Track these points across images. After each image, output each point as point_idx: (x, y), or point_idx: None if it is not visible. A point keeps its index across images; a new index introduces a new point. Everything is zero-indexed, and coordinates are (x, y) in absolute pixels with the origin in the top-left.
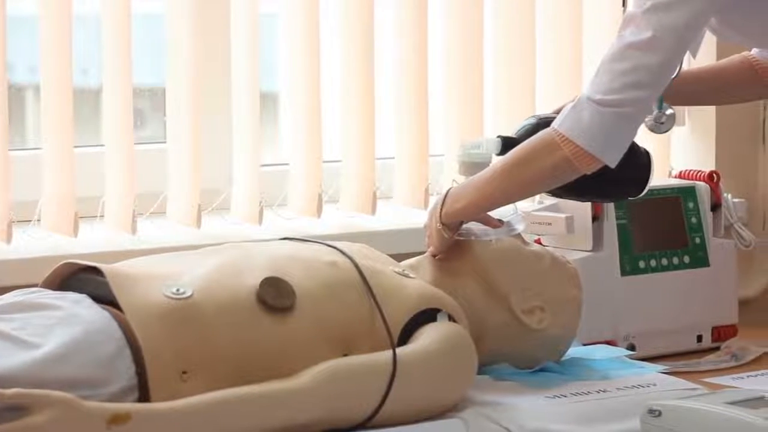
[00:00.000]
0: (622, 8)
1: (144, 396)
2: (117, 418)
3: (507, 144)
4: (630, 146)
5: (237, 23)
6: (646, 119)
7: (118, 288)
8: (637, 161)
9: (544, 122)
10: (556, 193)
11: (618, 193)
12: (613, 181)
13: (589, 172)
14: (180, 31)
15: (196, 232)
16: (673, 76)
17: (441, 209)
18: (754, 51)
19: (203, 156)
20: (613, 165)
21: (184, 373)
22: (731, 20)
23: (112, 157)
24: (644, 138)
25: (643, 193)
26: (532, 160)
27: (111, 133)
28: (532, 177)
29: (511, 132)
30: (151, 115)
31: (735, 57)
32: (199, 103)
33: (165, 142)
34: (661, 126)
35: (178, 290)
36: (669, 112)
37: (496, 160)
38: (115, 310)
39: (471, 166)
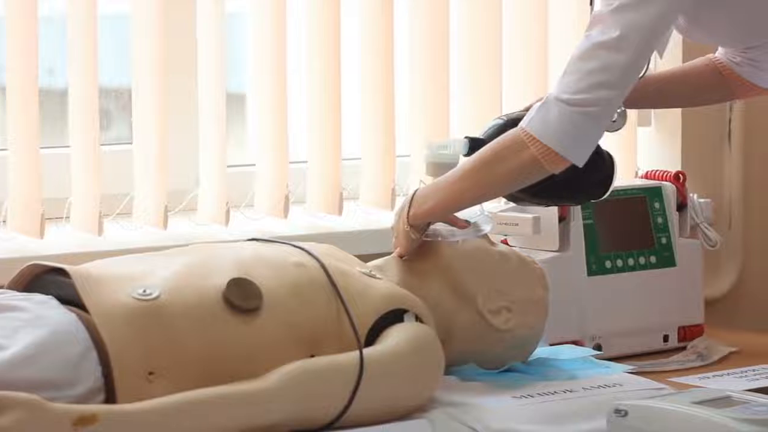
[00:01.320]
0: (590, 8)
1: (111, 397)
2: (83, 420)
3: (474, 145)
4: (594, 150)
5: (203, 23)
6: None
7: (84, 289)
8: (601, 163)
9: (511, 122)
10: (518, 200)
11: (582, 196)
12: (577, 184)
13: (556, 172)
14: (146, 31)
15: (163, 233)
16: (640, 76)
17: (408, 210)
18: (719, 53)
19: (170, 157)
20: (580, 164)
21: (151, 374)
22: (699, 19)
23: (78, 158)
24: (609, 137)
25: (606, 195)
26: (500, 160)
27: (77, 134)
28: (499, 177)
29: (477, 133)
30: (117, 116)
31: (700, 60)
32: (165, 104)
33: (131, 143)
34: (612, 124)
35: (144, 291)
36: (620, 110)
37: (463, 161)
38: (81, 312)
39: (438, 167)
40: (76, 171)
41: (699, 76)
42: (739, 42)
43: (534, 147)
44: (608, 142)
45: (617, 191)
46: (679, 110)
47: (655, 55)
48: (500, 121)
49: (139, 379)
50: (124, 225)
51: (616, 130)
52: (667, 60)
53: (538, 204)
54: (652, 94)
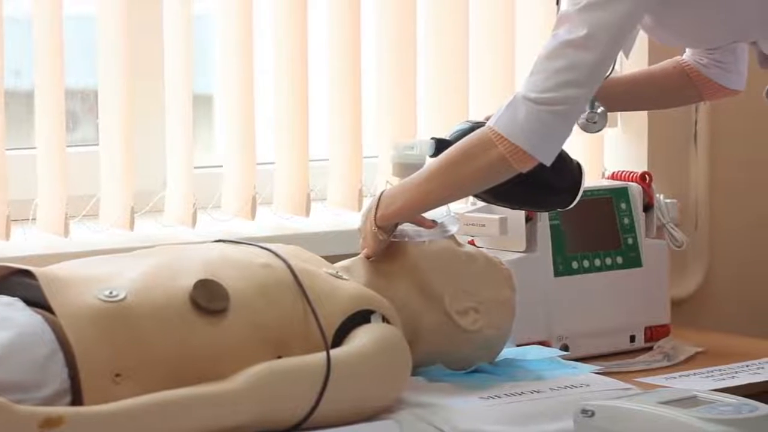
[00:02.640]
0: (556, 7)
1: (77, 399)
2: (49, 422)
3: (440, 146)
4: (562, 157)
5: (170, 25)
6: (579, 119)
7: (51, 291)
8: (569, 172)
9: (477, 127)
10: (489, 200)
11: (549, 203)
12: (545, 191)
13: (524, 170)
14: (112, 32)
15: (130, 234)
16: (607, 75)
17: (376, 212)
18: (686, 55)
19: (136, 158)
20: (548, 163)
21: (118, 375)
22: (665, 19)
23: (44, 159)
24: (577, 138)
25: (574, 204)
26: (468, 160)
27: (43, 136)
28: (467, 176)
29: (444, 134)
30: (83, 118)
31: (667, 62)
32: (132, 105)
33: (98, 145)
34: (593, 125)
35: (111, 293)
36: (600, 110)
37: (430, 161)
38: (47, 314)
39: (405, 168)
40: (42, 172)
41: (666, 78)
42: (704, 43)
43: (502, 145)
44: (575, 141)
45: (584, 192)
46: (645, 111)
47: (621, 56)
48: (466, 126)
49: (106, 380)
50: (90, 226)
51: (598, 131)
52: (633, 61)
53: (507, 207)
54: (620, 97)
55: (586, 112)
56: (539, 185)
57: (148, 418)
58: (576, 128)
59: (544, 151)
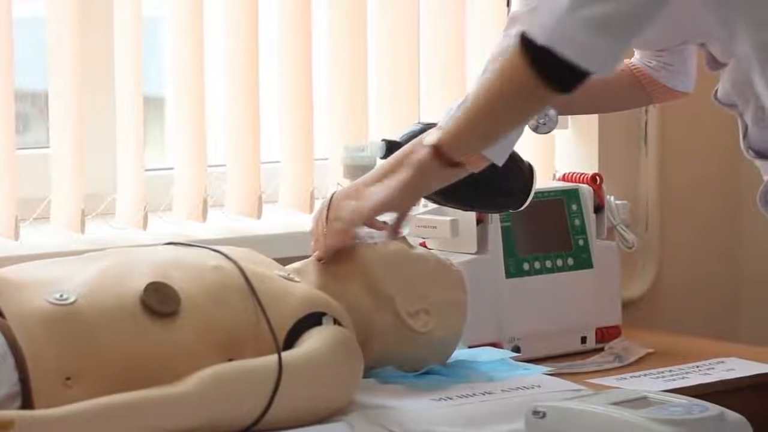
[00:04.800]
0: (507, 8)
1: (28, 403)
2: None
3: (391, 147)
4: (514, 158)
5: (120, 27)
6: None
7: (1, 294)
8: (521, 173)
9: (428, 128)
10: (440, 201)
11: (501, 204)
12: (496, 192)
13: (476, 171)
14: (63, 34)
15: (81, 237)
16: None
17: (327, 213)
18: (635, 58)
19: (87, 161)
20: (499, 163)
21: (68, 379)
22: None
23: None
24: (528, 139)
25: (525, 205)
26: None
27: None
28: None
29: (395, 136)
30: (34, 120)
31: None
32: (82, 108)
33: (48, 147)
34: (543, 126)
35: (61, 296)
36: (551, 112)
37: (381, 163)
38: None
39: (355, 169)
40: None
41: (615, 81)
42: (651, 44)
43: None
44: (526, 143)
45: (535, 194)
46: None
47: None
48: (418, 128)
49: (57, 384)
50: (41, 229)
51: (547, 132)
52: None
53: (458, 208)
54: (570, 101)
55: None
56: (490, 186)
57: (99, 422)
58: (527, 129)
59: (495, 151)
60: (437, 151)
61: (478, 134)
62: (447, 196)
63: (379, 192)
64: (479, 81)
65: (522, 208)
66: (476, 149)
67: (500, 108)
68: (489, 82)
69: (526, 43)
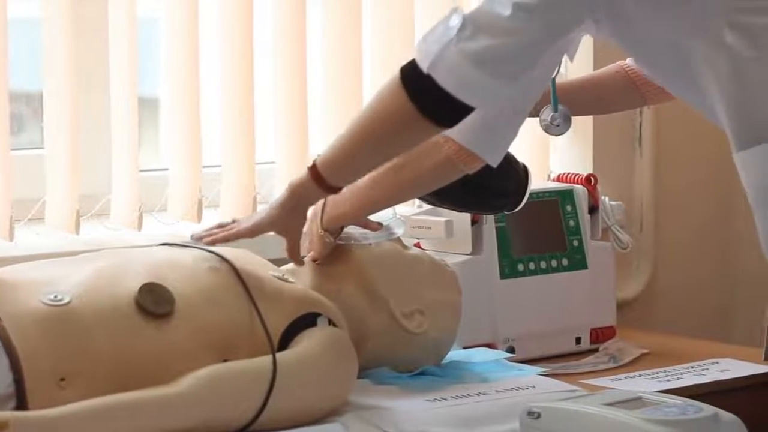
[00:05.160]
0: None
1: (22, 404)
2: None
3: None
4: (509, 159)
5: (115, 27)
6: (541, 121)
7: None
8: (516, 174)
9: None
10: (434, 202)
11: (495, 206)
12: (491, 193)
13: (471, 172)
14: (57, 35)
15: (75, 238)
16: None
17: (322, 214)
18: (629, 60)
19: (82, 161)
20: (494, 164)
21: (63, 380)
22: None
23: None
24: (522, 140)
25: (520, 207)
26: (414, 161)
27: None
28: (414, 178)
29: None
30: (29, 121)
31: (611, 67)
32: (77, 108)
33: (43, 148)
34: (555, 128)
35: (55, 297)
36: (563, 112)
37: None
38: None
39: None
40: None
41: (610, 82)
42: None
43: (447, 146)
44: (520, 143)
45: (530, 194)
46: None
47: (566, 60)
48: None
49: (51, 385)
50: (35, 230)
51: (561, 134)
52: (578, 66)
53: (452, 209)
54: (565, 104)
55: (549, 114)
56: (485, 187)
57: (94, 423)
58: (523, 129)
59: (490, 152)
60: (315, 174)
61: (355, 164)
62: (441, 198)
63: (259, 213)
64: (369, 102)
65: (517, 209)
66: (353, 178)
67: (376, 140)
68: (367, 113)
69: (408, 72)
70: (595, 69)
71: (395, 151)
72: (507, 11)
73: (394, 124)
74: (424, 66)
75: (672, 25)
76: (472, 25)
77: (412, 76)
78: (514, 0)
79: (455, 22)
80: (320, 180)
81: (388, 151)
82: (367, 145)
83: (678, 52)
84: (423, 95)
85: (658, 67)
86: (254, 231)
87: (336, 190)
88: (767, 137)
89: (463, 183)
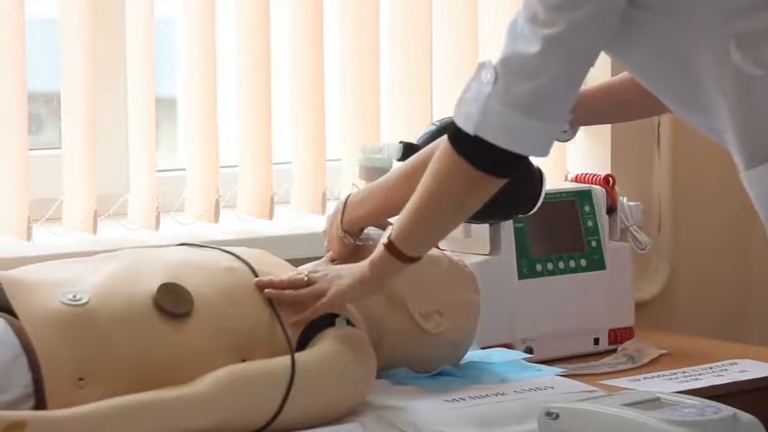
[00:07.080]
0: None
1: (41, 403)
2: (13, 426)
3: (408, 149)
4: (524, 163)
5: (132, 28)
6: None
7: (14, 295)
8: (530, 178)
9: (444, 128)
10: None
11: (509, 213)
12: (506, 200)
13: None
14: (75, 36)
15: (93, 238)
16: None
17: (342, 215)
18: None
19: (99, 161)
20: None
21: (81, 380)
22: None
23: (6, 163)
24: None
25: (535, 210)
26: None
27: (5, 139)
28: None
29: (410, 137)
30: (47, 121)
31: (625, 74)
32: (95, 109)
33: (61, 148)
34: (564, 134)
35: (74, 297)
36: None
37: (398, 166)
38: (10, 317)
39: (372, 171)
40: (3, 176)
41: (625, 91)
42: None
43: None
44: None
45: (547, 195)
46: None
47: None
48: (434, 128)
49: (70, 384)
50: (53, 230)
51: (567, 140)
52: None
53: (470, 222)
54: (580, 113)
55: None
56: (500, 195)
57: (111, 422)
58: None
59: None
60: (394, 250)
61: (430, 234)
62: None
63: (342, 284)
64: (427, 172)
65: (532, 211)
66: (432, 246)
67: (445, 207)
68: (428, 183)
69: (456, 137)
70: (613, 75)
71: (468, 212)
72: (535, 47)
73: (460, 188)
74: (469, 129)
75: (683, 39)
76: (504, 73)
77: (462, 141)
78: (542, 34)
79: (487, 75)
80: (399, 254)
81: (460, 213)
82: (439, 214)
83: (686, 71)
84: (479, 157)
85: (666, 85)
86: (334, 305)
87: (417, 259)
88: None
89: None
